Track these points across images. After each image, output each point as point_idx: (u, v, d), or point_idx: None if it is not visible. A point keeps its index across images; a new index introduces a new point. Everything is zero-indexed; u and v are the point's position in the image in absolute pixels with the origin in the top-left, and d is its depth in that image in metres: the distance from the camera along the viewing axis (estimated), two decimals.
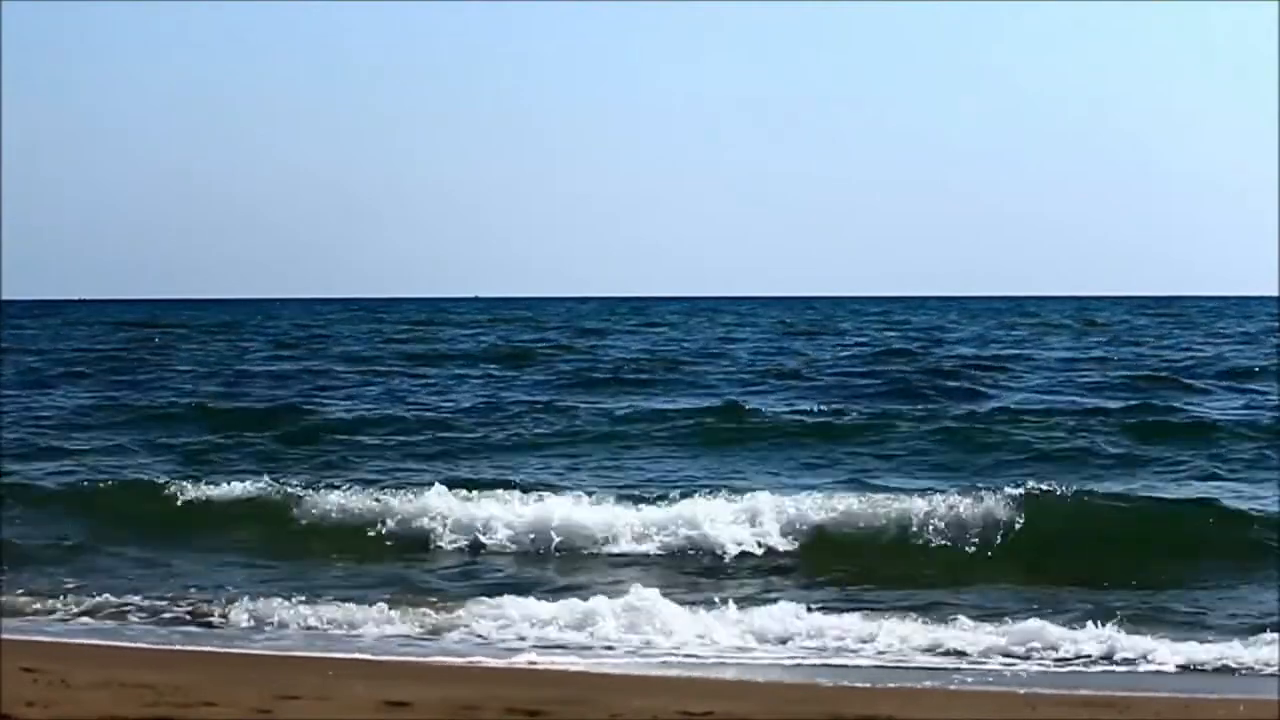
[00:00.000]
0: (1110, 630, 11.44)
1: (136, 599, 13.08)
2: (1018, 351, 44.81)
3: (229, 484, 18.04)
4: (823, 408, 26.23)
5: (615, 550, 15.62)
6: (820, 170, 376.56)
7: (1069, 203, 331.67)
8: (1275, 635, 11.24)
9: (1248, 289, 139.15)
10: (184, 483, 18.20)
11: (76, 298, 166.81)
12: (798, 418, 24.85)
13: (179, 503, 17.72)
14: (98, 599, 13.03)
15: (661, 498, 16.85)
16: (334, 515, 16.71)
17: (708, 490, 17.00)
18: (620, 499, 16.84)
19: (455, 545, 15.90)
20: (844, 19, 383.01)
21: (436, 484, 17.10)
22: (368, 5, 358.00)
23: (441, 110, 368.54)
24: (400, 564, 15.23)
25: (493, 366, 39.08)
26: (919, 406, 26.47)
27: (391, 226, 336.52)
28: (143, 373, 37.14)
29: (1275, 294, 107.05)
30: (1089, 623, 11.63)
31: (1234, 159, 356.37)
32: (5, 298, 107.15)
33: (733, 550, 15.43)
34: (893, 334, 60.32)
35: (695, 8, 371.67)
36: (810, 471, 20.00)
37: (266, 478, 18.25)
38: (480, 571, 14.96)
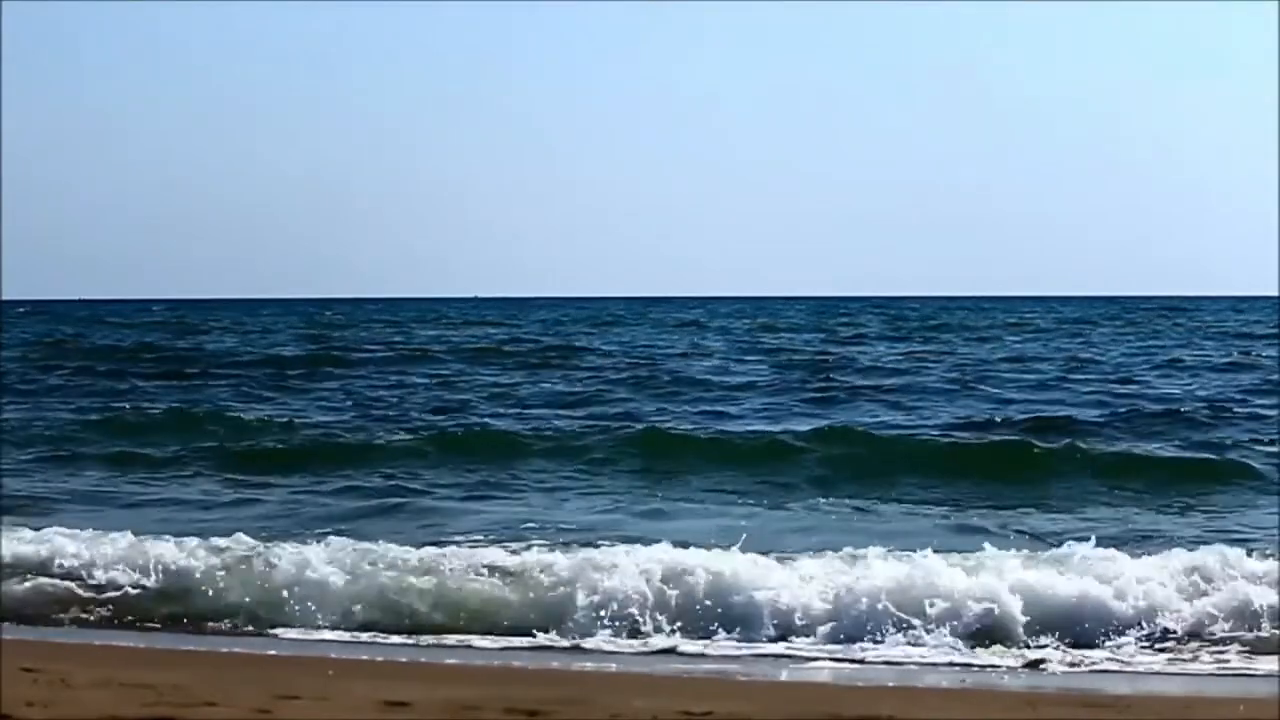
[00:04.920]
0: None
1: None
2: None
3: None
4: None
5: None
6: (820, 170, 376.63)
7: (1069, 203, 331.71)
8: None
9: (1248, 289, 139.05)
10: None
11: (76, 298, 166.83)
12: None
13: None
14: None
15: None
16: None
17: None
18: None
19: None
20: (844, 19, 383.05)
21: None
22: (368, 5, 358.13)
23: (441, 110, 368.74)
24: None
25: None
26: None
27: (391, 226, 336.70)
28: None
29: (1275, 294, 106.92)
30: None
31: (1234, 159, 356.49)
32: (5, 298, 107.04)
33: None
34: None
35: (696, 7, 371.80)
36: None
37: None
38: None
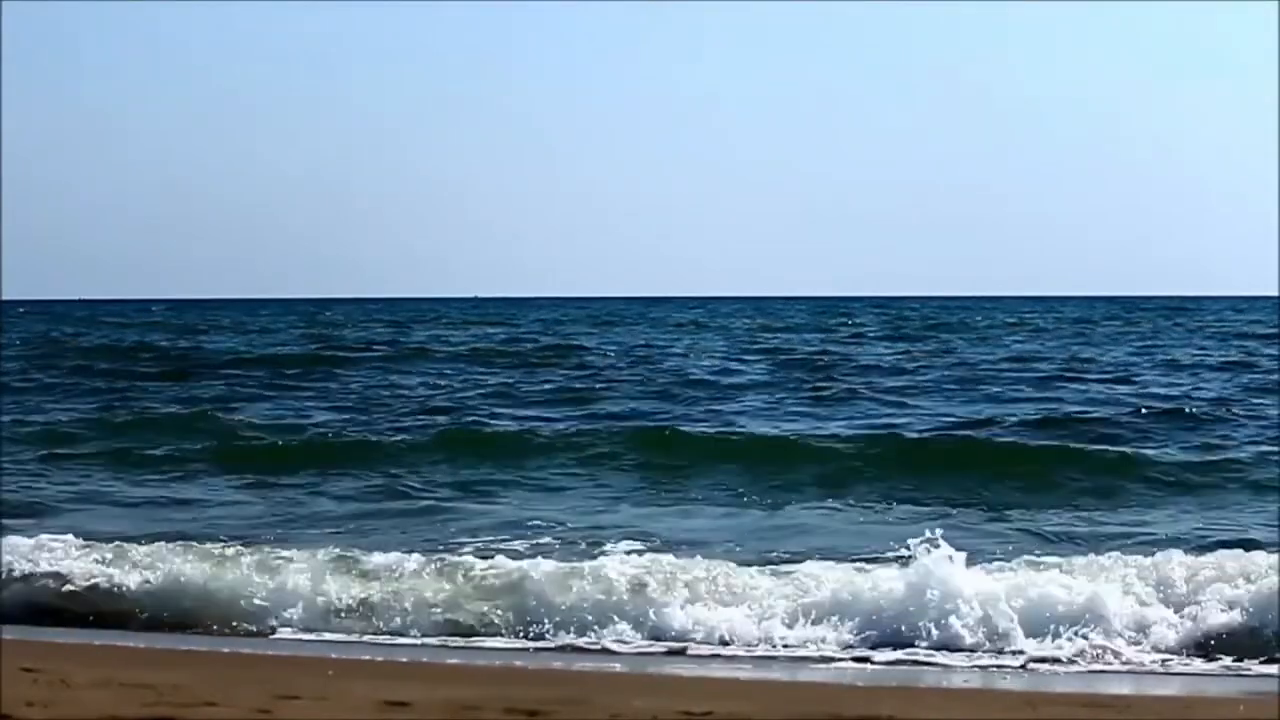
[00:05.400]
0: None
1: None
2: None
3: None
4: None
5: None
6: (820, 170, 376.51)
7: (1069, 203, 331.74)
8: None
9: (1248, 289, 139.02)
10: None
11: (76, 298, 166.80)
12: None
13: None
14: None
15: None
16: None
17: None
18: None
19: None
20: (844, 19, 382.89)
21: None
22: (368, 5, 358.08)
23: (441, 110, 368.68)
24: None
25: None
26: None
27: (391, 226, 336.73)
28: None
29: (1275, 294, 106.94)
30: None
31: (1234, 159, 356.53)
32: (5, 298, 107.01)
33: None
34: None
35: (696, 7, 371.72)
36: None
37: None
38: None
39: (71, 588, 13.03)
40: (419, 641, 11.83)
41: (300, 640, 11.98)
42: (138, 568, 13.17)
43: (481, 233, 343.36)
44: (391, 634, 12.08)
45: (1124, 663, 11.00)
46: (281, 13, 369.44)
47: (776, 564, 13.09)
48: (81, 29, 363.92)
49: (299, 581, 12.72)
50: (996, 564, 12.57)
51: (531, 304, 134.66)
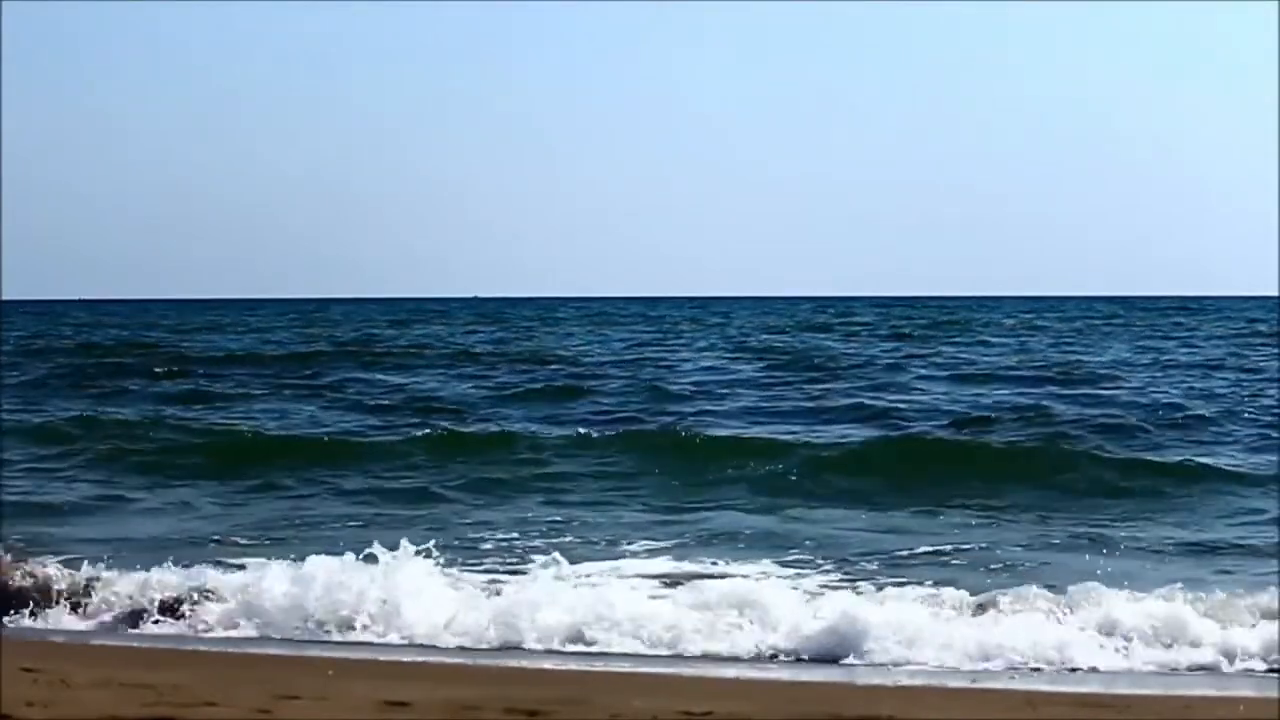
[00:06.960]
0: None
1: None
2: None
3: None
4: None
5: None
6: (820, 170, 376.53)
7: (1069, 203, 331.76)
8: None
9: (1248, 289, 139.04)
10: None
11: (76, 298, 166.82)
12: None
13: None
14: None
15: None
16: None
17: None
18: None
19: None
20: (844, 19, 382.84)
21: None
22: (368, 5, 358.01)
23: (441, 110, 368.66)
24: None
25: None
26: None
27: (391, 226, 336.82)
28: None
29: (1275, 294, 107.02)
30: None
31: (1234, 159, 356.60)
32: (5, 298, 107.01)
33: None
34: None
35: (696, 7, 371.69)
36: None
37: None
38: None
39: (56, 594, 12.83)
40: (419, 642, 11.81)
41: (300, 640, 11.96)
42: (131, 573, 13.00)
43: (481, 233, 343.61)
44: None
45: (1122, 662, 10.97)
46: (281, 13, 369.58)
47: (787, 564, 13.11)
48: (81, 29, 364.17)
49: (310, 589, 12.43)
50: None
51: (531, 303, 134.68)
